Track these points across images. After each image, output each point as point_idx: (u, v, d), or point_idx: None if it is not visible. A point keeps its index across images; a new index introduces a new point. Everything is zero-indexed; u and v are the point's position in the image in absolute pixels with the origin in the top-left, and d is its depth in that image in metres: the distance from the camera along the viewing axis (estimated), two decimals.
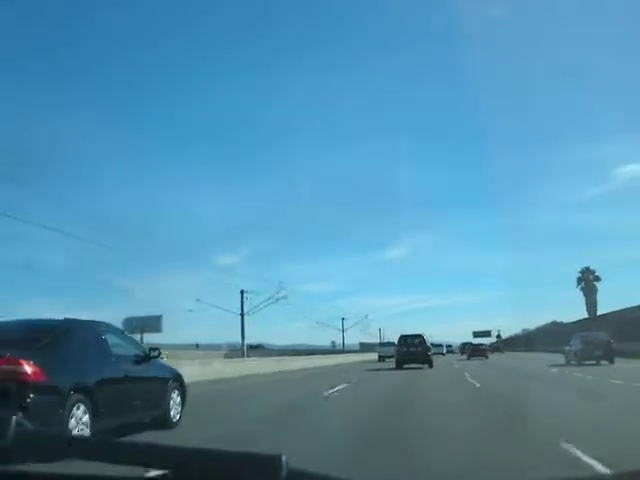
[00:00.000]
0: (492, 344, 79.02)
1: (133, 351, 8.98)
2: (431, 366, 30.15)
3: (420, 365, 30.21)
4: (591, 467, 5.39)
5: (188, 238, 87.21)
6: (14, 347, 6.88)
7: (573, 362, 28.77)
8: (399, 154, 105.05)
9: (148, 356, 9.13)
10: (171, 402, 9.36)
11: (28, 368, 6.59)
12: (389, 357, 45.70)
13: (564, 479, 5.42)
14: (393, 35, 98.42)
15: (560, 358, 32.45)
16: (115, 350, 8.39)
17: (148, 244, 73.54)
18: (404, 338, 32.08)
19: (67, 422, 6.77)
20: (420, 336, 31.81)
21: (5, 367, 6.47)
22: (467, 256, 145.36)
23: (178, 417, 9.50)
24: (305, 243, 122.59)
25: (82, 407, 7.10)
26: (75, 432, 6.79)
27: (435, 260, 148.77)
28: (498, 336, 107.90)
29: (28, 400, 6.44)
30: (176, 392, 9.58)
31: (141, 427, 8.64)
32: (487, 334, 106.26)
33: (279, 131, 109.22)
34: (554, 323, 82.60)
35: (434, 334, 79.65)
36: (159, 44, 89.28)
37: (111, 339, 8.50)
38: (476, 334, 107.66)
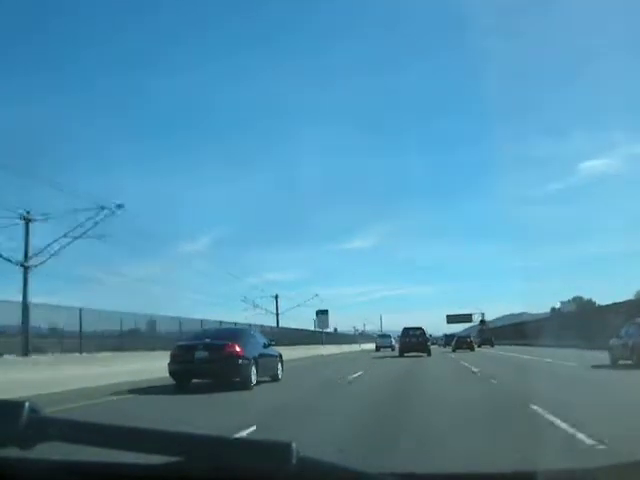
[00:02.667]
0: (479, 333, 68.45)
1: (263, 340, 16.68)
2: (429, 355, 34.01)
3: (419, 353, 34.23)
4: None
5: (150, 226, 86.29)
6: (228, 339, 14.58)
7: (626, 362, 20.12)
8: (367, 145, 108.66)
9: (269, 344, 16.86)
10: (278, 368, 17.06)
11: (238, 348, 14.24)
12: (385, 347, 52.49)
13: (570, 470, 5.65)
14: None
15: (580, 354, 27.44)
16: (258, 340, 16.10)
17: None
18: (407, 330, 36.83)
19: (251, 374, 14.42)
20: (420, 329, 36.69)
21: (230, 348, 14.15)
22: (436, 246, 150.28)
23: (280, 377, 17.18)
24: (268, 233, 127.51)
25: (254, 368, 14.73)
26: (253, 379, 14.47)
27: (403, 249, 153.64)
28: (482, 321, 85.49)
29: (238, 363, 14.10)
30: (279, 364, 17.24)
31: (265, 381, 16.36)
32: (467, 318, 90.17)
33: (240, 120, 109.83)
34: (578, 301, 70.09)
35: (403, 322, 63.71)
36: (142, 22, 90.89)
37: (256, 334, 16.24)
38: (451, 319, 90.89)
